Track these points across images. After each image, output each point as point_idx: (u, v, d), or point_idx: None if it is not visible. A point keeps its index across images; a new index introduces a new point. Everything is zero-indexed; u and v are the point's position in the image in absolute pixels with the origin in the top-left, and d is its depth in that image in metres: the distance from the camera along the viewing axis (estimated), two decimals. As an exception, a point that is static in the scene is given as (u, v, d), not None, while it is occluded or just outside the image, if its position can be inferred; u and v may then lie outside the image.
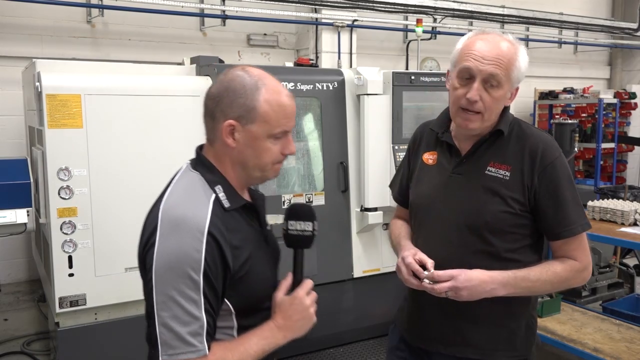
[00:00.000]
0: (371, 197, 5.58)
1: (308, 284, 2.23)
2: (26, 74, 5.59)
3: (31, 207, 4.60)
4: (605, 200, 5.83)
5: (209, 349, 1.97)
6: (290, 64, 6.41)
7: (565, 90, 10.72)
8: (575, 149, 9.45)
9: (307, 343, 5.46)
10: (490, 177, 2.57)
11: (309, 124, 5.56)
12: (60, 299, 4.43)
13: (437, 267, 2.49)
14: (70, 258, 4.43)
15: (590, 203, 5.65)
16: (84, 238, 4.45)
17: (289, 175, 5.44)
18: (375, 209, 5.54)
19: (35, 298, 6.55)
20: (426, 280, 2.48)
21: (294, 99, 2.20)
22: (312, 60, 7.29)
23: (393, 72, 5.73)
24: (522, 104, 11.17)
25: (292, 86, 5.28)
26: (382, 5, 8.76)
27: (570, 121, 9.81)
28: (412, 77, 5.84)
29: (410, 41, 9.45)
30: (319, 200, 5.45)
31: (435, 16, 9.50)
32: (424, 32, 8.33)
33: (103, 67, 5.23)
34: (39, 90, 4.36)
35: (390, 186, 3.18)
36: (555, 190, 2.52)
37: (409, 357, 2.85)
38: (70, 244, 4.41)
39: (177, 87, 4.89)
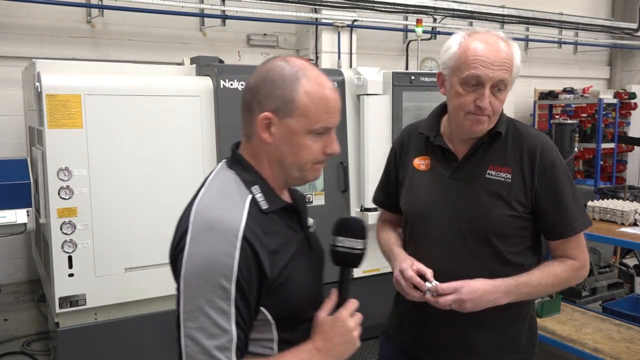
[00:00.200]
0: (371, 197, 5.53)
1: (352, 304, 2.04)
2: (26, 74, 5.59)
3: (31, 207, 4.60)
4: (605, 200, 5.83)
5: None
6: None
7: (565, 91, 10.71)
8: (575, 149, 9.44)
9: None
10: (491, 180, 2.53)
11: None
12: (60, 299, 4.43)
13: (440, 276, 2.44)
14: (70, 258, 4.43)
15: (590, 203, 5.65)
16: (83, 238, 4.45)
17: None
18: (375, 209, 5.50)
19: (35, 298, 6.55)
20: (428, 293, 2.41)
21: (338, 93, 2.02)
22: (312, 60, 7.30)
23: (393, 72, 5.73)
24: (522, 104, 11.17)
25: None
26: (381, 6, 8.76)
27: (570, 121, 9.81)
28: (412, 77, 5.84)
29: (410, 41, 9.45)
30: (318, 200, 5.44)
31: (435, 16, 9.50)
32: (424, 32, 8.34)
33: (103, 67, 5.24)
34: (39, 90, 4.36)
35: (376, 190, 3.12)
36: (555, 189, 2.51)
37: None
38: (70, 244, 4.41)
39: (177, 87, 4.88)
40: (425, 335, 2.70)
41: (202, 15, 7.99)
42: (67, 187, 4.39)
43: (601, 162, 10.43)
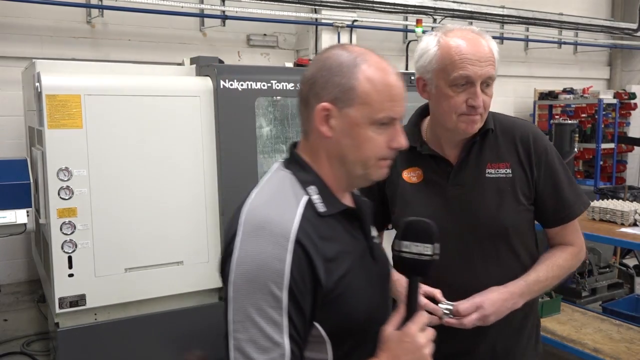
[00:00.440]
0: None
1: (422, 318, 1.79)
2: (26, 75, 5.59)
3: (31, 207, 4.60)
4: (605, 200, 5.83)
5: None
6: (290, 65, 6.41)
7: (565, 91, 10.73)
8: (575, 149, 9.45)
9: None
10: (492, 179, 2.45)
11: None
12: (60, 299, 4.42)
13: (459, 288, 2.34)
14: (70, 258, 4.42)
15: (590, 203, 5.65)
16: (83, 238, 4.45)
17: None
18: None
19: (35, 298, 6.55)
20: (446, 317, 2.28)
21: (403, 81, 1.81)
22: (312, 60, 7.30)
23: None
24: (521, 104, 11.19)
25: (292, 86, 5.25)
26: (381, 6, 8.77)
27: (570, 121, 9.82)
28: (412, 78, 5.83)
29: (410, 41, 9.45)
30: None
31: (435, 16, 9.51)
32: (424, 32, 8.33)
33: (103, 68, 5.23)
34: (39, 90, 4.36)
35: None
36: (552, 176, 2.48)
37: None
38: (70, 244, 4.41)
39: (177, 88, 4.88)
40: (451, 346, 2.40)
41: (202, 15, 8.00)
42: (67, 187, 4.38)
43: (601, 163, 10.46)
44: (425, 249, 1.78)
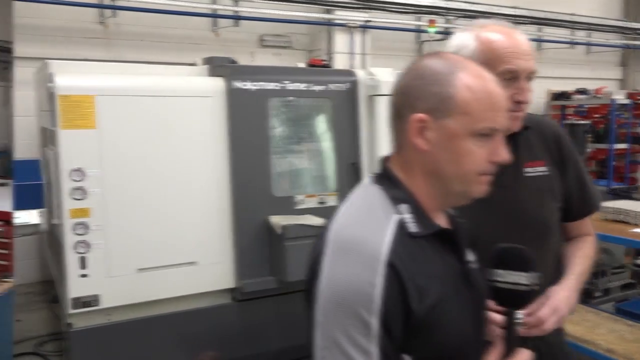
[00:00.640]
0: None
1: (524, 356, 1.65)
2: (39, 75, 5.61)
3: (44, 208, 4.62)
4: (618, 201, 5.80)
5: None
6: (302, 65, 6.41)
7: (577, 91, 10.70)
8: (588, 150, 9.43)
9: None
10: (532, 178, 2.37)
11: (321, 124, 5.55)
12: (73, 299, 4.43)
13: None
14: (83, 259, 4.43)
15: (603, 204, 5.62)
16: (97, 239, 4.45)
17: (302, 176, 5.43)
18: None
19: (48, 299, 6.56)
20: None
21: (502, 89, 1.68)
22: (325, 60, 7.29)
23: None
24: (534, 104, 11.15)
25: (304, 87, 5.26)
26: (394, 6, 8.77)
27: (582, 122, 9.80)
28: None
29: (423, 42, 9.45)
30: (332, 201, 5.43)
31: (448, 17, 9.50)
32: (437, 32, 8.33)
33: (116, 68, 5.24)
34: (52, 91, 4.37)
35: None
36: (578, 171, 2.45)
37: None
38: (83, 245, 4.41)
39: (189, 88, 4.89)
40: None
41: (214, 15, 8.01)
42: (80, 187, 4.39)
43: (614, 163, 10.40)
44: (521, 278, 1.67)
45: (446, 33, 9.39)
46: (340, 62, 8.42)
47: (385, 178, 1.71)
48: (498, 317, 1.76)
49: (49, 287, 6.61)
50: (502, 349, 1.66)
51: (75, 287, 4.45)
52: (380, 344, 1.47)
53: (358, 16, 8.53)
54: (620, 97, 10.57)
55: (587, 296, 6.56)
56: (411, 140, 1.63)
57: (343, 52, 8.46)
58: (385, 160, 1.76)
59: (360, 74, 5.69)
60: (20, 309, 6.61)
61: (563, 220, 2.50)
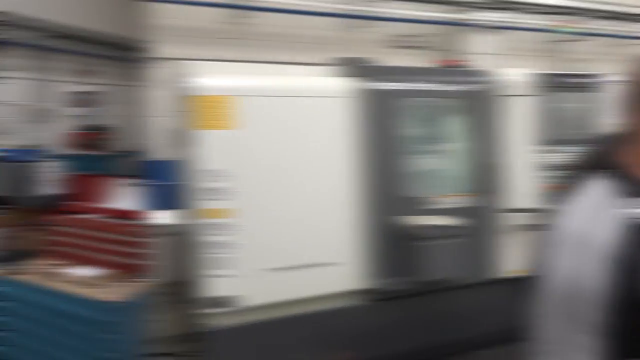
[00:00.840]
0: (518, 198, 5.45)
1: None
2: (175, 75, 5.73)
3: (179, 208, 4.70)
4: None
5: None
6: (435, 65, 6.34)
7: None
8: None
9: (453, 345, 5.36)
10: None
11: (455, 125, 5.44)
12: (209, 299, 4.48)
13: None
14: (219, 259, 4.46)
15: None
16: (233, 239, 4.49)
17: (434, 176, 5.35)
18: (522, 210, 5.40)
19: (181, 299, 6.69)
20: None
21: None
22: (459, 61, 7.19)
23: (539, 73, 5.59)
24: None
25: (438, 87, 5.19)
26: (529, 7, 8.57)
27: None
28: (559, 79, 5.69)
29: (556, 42, 9.19)
30: (466, 202, 5.33)
31: (583, 17, 9.22)
32: (571, 33, 8.09)
33: (249, 68, 5.29)
34: (188, 91, 4.44)
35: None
36: None
37: None
38: (219, 245, 4.44)
39: (322, 88, 4.89)
40: None
41: (346, 16, 7.99)
42: (217, 188, 4.43)
43: None
44: None
45: (581, 34, 9.11)
46: (473, 63, 8.27)
47: (615, 172, 1.58)
48: None
49: (182, 288, 6.74)
50: None
51: (212, 287, 4.50)
52: (607, 341, 1.39)
53: (492, 17, 8.37)
54: None
55: None
56: None
57: (476, 52, 8.31)
58: (613, 153, 1.63)
59: (494, 74, 5.58)
60: (154, 309, 6.78)
61: None
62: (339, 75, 5.21)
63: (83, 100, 12.15)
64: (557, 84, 5.66)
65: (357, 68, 5.07)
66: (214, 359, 4.61)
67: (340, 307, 4.94)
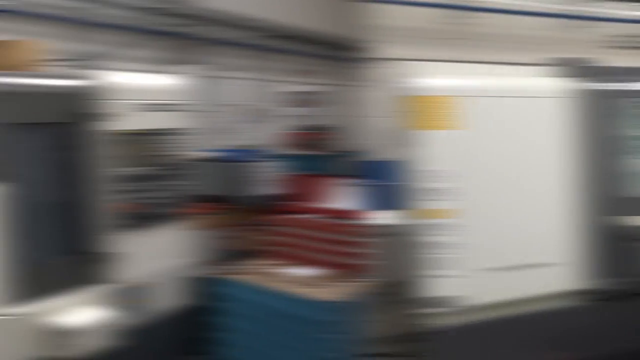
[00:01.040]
0: None
1: None
2: (394, 76, 5.75)
3: (401, 208, 4.71)
4: None
5: None
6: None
7: None
8: None
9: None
10: None
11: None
12: (429, 299, 4.50)
13: None
14: (441, 259, 4.48)
15: None
16: (455, 239, 4.48)
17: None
18: None
19: (401, 299, 6.71)
20: None
21: None
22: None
23: None
24: None
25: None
26: None
27: None
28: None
29: None
30: None
31: None
32: None
33: (468, 68, 5.26)
34: (409, 92, 4.46)
35: None
36: None
37: None
38: (441, 245, 4.44)
39: (542, 88, 4.87)
40: None
41: (564, 16, 7.74)
42: (440, 188, 4.42)
43: None
44: None
45: None
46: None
47: None
48: None
49: (401, 288, 6.75)
50: None
51: (434, 287, 4.53)
52: None
53: None
54: None
55: None
56: None
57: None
58: None
59: None
60: (372, 309, 6.85)
61: None
62: (556, 76, 5.10)
63: (302, 100, 12.49)
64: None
65: (576, 68, 4.97)
66: (436, 359, 4.58)
67: (559, 307, 4.85)
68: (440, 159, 4.43)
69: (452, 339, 4.57)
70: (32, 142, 3.87)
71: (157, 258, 4.63)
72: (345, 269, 5.29)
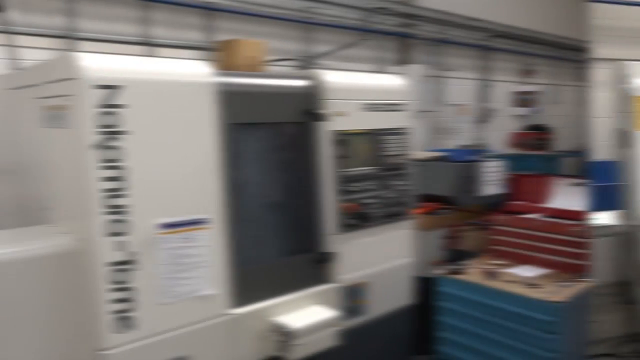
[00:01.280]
0: None
1: None
2: (615, 76, 5.62)
3: (622, 209, 4.62)
4: None
5: None
6: None
7: None
8: None
9: None
10: None
11: None
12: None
13: None
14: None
15: None
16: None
17: None
18: None
19: (627, 299, 6.50)
20: None
21: None
22: None
23: None
24: None
25: None
26: None
27: None
28: None
29: None
30: None
31: None
32: None
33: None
34: (629, 92, 4.37)
35: None
36: None
37: None
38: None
39: None
40: None
41: None
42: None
43: None
44: None
45: None
46: None
47: None
48: None
49: (627, 288, 6.55)
50: None
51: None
52: None
53: None
54: None
55: None
56: None
57: None
58: None
59: None
60: (596, 310, 6.69)
61: None
62: None
63: (525, 100, 12.33)
64: None
65: None
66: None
67: None
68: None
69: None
70: (261, 142, 4.09)
71: (379, 258, 4.73)
72: (568, 269, 5.24)
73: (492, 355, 5.00)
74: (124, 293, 3.17)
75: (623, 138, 5.10)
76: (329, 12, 8.33)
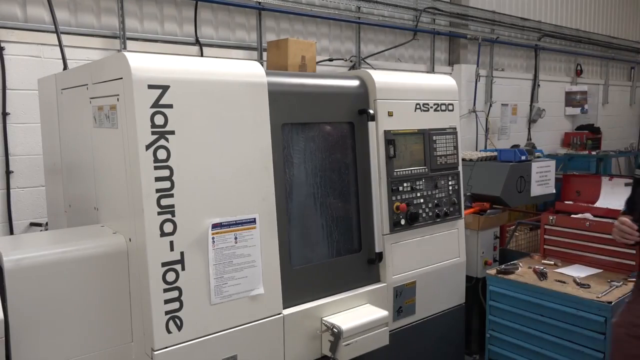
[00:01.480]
0: None
1: None
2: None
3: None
4: None
5: None
6: None
7: None
8: None
9: None
10: None
11: None
12: None
13: None
14: None
15: None
16: None
17: None
18: None
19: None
20: None
21: None
22: None
23: None
24: None
25: None
26: None
27: None
28: None
29: None
30: None
31: None
32: None
33: None
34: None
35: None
36: None
37: None
38: None
39: None
40: None
41: None
42: None
43: None
44: None
45: None
46: None
47: None
48: None
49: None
50: None
51: None
52: None
53: None
54: None
55: None
56: None
57: None
58: None
59: None
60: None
61: None
62: None
63: (576, 100, 12.26)
64: None
65: None
66: None
67: None
68: None
69: None
70: (312, 142, 4.06)
71: (430, 258, 4.76)
72: (619, 269, 5.22)
73: (542, 355, 4.99)
74: (174, 293, 3.21)
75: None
76: (379, 12, 8.40)
